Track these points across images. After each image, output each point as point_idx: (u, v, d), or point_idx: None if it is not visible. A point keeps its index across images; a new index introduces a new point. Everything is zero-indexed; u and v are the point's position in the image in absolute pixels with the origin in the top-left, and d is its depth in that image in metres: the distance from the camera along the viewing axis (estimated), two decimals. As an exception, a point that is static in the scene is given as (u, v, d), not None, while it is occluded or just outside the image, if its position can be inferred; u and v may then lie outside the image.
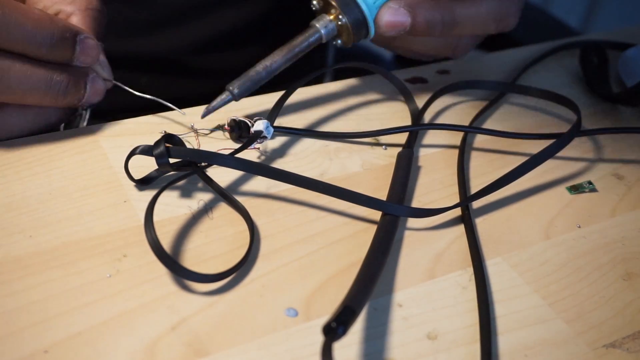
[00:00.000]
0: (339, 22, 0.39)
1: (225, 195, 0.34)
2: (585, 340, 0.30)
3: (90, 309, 0.28)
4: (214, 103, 0.37)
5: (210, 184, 0.34)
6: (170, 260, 0.29)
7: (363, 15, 0.39)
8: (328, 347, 0.24)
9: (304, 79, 0.40)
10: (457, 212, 0.36)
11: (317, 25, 0.39)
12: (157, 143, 0.33)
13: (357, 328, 0.29)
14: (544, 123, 0.44)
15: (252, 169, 0.34)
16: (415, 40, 0.42)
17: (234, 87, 0.37)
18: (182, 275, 0.29)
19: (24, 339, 0.26)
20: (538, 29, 0.75)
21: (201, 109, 0.38)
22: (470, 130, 0.41)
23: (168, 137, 0.33)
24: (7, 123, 0.35)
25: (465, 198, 0.36)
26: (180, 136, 0.34)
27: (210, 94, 0.40)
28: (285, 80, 0.42)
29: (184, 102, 0.40)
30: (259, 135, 0.36)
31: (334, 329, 0.25)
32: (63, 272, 0.29)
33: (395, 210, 0.33)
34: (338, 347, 0.27)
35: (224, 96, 0.37)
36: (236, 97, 0.37)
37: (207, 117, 0.38)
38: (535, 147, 0.40)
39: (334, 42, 0.41)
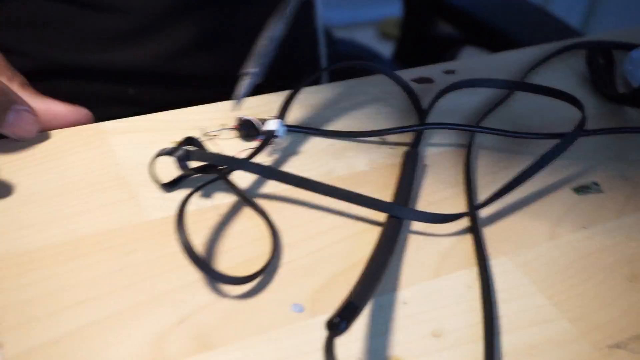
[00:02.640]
0: None
1: (246, 198, 0.34)
2: (589, 340, 0.30)
3: (98, 303, 0.28)
4: (242, 90, 0.35)
5: (233, 188, 0.34)
6: (203, 263, 0.29)
7: None
8: (331, 341, 0.25)
9: (309, 77, 0.40)
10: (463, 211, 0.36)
11: None
12: (178, 146, 0.33)
13: (362, 324, 0.29)
14: (550, 123, 0.44)
15: (274, 175, 0.33)
16: None
17: (250, 68, 0.36)
18: (213, 277, 0.29)
19: (34, 330, 0.27)
20: (538, 28, 0.75)
21: (198, 109, 0.38)
22: (476, 129, 0.41)
23: (188, 141, 0.33)
24: None
25: (473, 206, 0.36)
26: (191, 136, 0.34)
27: (199, 99, 0.39)
28: (281, 80, 0.42)
29: (173, 109, 0.40)
30: (272, 135, 0.37)
31: (337, 324, 0.25)
32: (72, 266, 0.29)
33: (410, 215, 0.33)
34: (343, 342, 0.27)
35: (246, 81, 0.36)
36: (258, 76, 0.36)
37: (211, 117, 0.38)
38: (542, 146, 0.40)
39: None
